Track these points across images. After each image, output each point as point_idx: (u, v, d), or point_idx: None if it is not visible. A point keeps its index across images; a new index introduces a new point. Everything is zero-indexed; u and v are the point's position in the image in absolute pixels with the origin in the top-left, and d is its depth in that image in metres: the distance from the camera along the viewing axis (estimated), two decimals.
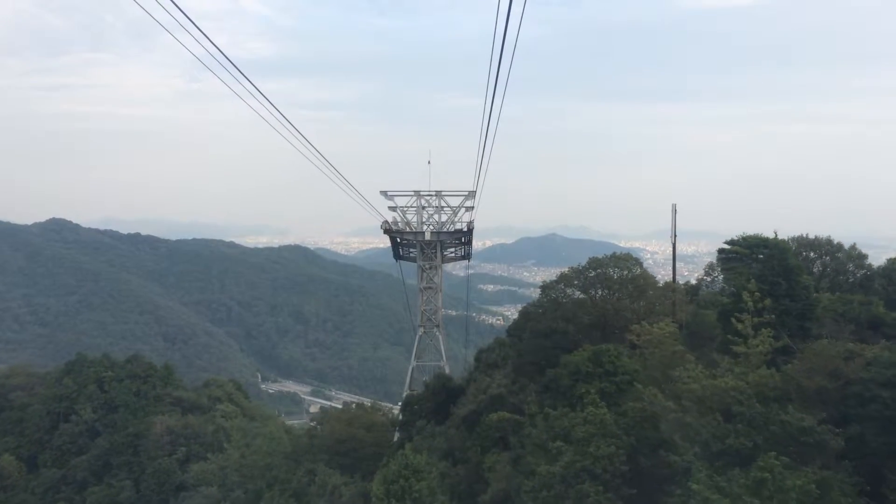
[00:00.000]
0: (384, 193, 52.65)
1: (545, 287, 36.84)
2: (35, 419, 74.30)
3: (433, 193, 53.27)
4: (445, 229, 52.91)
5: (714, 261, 48.03)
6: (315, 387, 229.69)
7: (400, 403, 58.61)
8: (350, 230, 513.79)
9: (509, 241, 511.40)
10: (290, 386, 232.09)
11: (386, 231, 52.41)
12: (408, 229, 52.88)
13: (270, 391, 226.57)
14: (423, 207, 54.08)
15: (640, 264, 36.30)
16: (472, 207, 53.65)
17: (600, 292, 37.01)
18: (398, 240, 54.89)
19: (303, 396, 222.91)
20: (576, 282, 36.55)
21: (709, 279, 47.41)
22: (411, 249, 56.53)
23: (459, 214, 53.71)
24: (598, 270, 36.29)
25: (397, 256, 58.03)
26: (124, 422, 68.88)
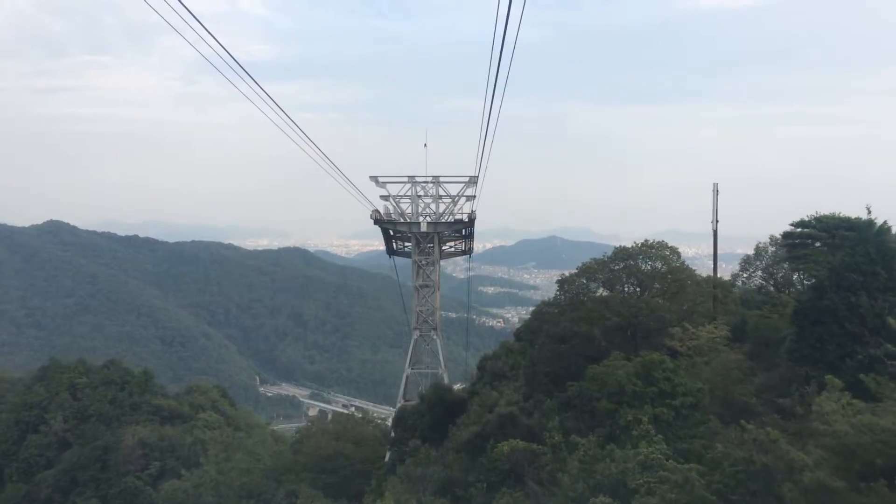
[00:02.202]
0: (374, 179, 45.96)
1: (563, 281, 30.10)
2: (2, 429, 67.53)
3: (430, 180, 46.57)
4: (444, 220, 46.21)
5: (751, 253, 41.57)
6: (314, 390, 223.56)
7: (396, 409, 52.06)
8: (350, 232, 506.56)
9: (509, 242, 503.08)
10: (288, 389, 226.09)
11: (377, 222, 45.70)
12: (401, 220, 46.18)
13: (269, 394, 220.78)
14: (420, 196, 47.38)
15: (678, 254, 29.58)
16: (474, 197, 47.01)
17: (628, 288, 30.37)
18: (391, 232, 48.23)
19: (301, 399, 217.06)
20: (599, 275, 29.85)
21: (745, 275, 40.89)
22: (406, 243, 49.86)
23: (460, 204, 47.09)
24: (627, 262, 29.60)
25: (391, 252, 51.36)
26: (94, 433, 62.05)
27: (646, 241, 29.49)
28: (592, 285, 29.90)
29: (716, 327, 26.26)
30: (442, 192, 47.11)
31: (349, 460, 47.34)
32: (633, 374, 17.95)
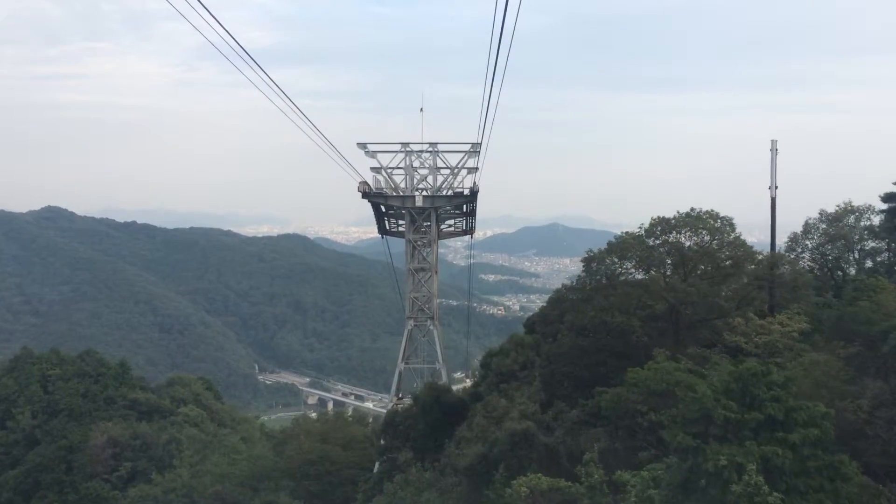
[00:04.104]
0: (363, 147, 39.63)
1: (590, 260, 23.78)
2: None
3: (426, 147, 40.22)
4: (442, 193, 39.94)
5: (799, 231, 35.47)
6: (313, 378, 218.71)
7: (386, 411, 46.12)
8: (351, 219, 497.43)
9: (510, 230, 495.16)
10: (287, 377, 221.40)
11: (365, 195, 39.36)
12: (393, 193, 39.90)
13: (268, 382, 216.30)
14: (415, 168, 41.05)
15: (732, 225, 23.30)
16: (476, 169, 40.61)
17: (665, 269, 24.15)
18: (382, 208, 41.92)
19: (301, 388, 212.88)
20: (634, 253, 23.56)
21: (791, 255, 34.78)
22: (400, 221, 43.57)
23: (460, 177, 40.75)
24: (667, 236, 23.35)
25: (383, 231, 45.06)
26: (62, 430, 56.16)
27: (692, 209, 23.28)
28: (627, 265, 23.68)
29: (789, 318, 20.06)
30: (440, 164, 40.84)
31: (335, 465, 41.64)
32: (723, 392, 11.78)
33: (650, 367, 18.41)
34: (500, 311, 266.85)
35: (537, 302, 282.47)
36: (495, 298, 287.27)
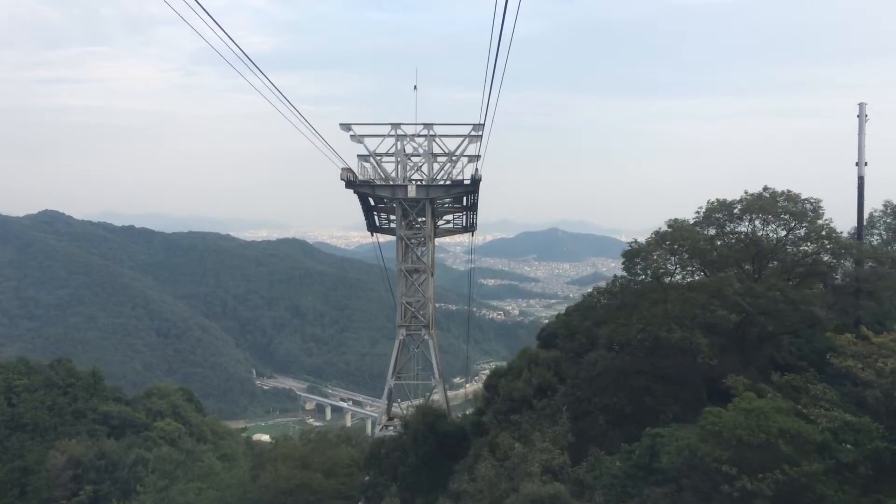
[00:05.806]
0: (347, 128, 33.63)
1: (633, 254, 17.68)
2: None
3: (420, 129, 34.20)
4: (439, 182, 33.93)
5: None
6: (311, 383, 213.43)
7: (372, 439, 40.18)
8: (351, 224, 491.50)
9: (510, 235, 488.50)
10: (285, 382, 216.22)
11: (349, 184, 33.34)
12: (381, 182, 33.88)
13: (265, 387, 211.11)
14: (408, 155, 35.02)
15: (819, 209, 17.31)
16: (478, 157, 34.57)
17: (734, 266, 18.11)
18: (371, 200, 35.90)
19: (299, 393, 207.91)
20: (684, 245, 17.51)
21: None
22: (391, 216, 37.54)
23: (459, 166, 34.74)
24: (734, 224, 17.32)
25: (372, 227, 39.03)
26: (19, 448, 50.03)
27: (765, 187, 17.32)
28: (677, 260, 17.63)
29: None
30: (437, 149, 34.80)
31: (316, 495, 35.74)
32: None
33: (738, 406, 12.39)
34: (499, 316, 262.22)
35: (537, 306, 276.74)
36: (495, 303, 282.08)
